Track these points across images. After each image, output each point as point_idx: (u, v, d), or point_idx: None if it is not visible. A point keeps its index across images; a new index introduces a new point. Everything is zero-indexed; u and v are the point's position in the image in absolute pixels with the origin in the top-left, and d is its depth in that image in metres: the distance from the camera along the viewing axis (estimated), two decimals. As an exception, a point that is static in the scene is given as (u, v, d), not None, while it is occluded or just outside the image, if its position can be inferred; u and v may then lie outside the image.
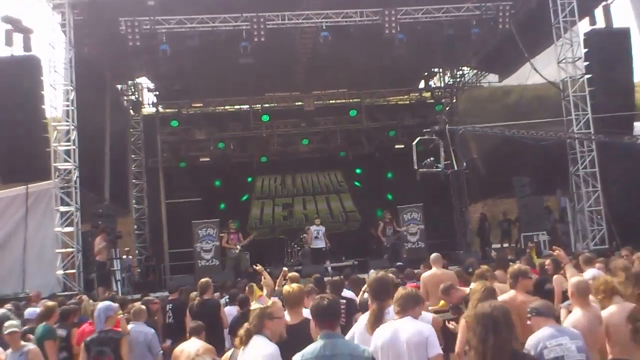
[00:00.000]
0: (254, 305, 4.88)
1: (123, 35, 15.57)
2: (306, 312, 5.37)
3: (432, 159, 16.24)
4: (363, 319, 5.44)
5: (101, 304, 7.35)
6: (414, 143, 16.90)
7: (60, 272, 14.86)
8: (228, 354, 5.22)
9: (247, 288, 9.51)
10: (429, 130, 17.27)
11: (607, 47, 17.05)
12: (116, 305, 7.56)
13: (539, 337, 4.70)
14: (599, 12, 17.50)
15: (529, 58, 17.26)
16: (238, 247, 18.41)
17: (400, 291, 5.08)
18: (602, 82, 16.74)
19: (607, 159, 16.89)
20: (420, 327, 4.87)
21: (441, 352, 4.83)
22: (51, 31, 15.75)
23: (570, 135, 17.01)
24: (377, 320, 5.11)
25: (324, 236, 19.23)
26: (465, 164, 19.13)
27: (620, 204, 17.69)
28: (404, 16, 16.51)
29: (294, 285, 6.05)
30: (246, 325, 4.92)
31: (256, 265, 8.41)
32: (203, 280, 9.74)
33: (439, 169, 16.36)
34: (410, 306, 4.94)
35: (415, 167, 16.28)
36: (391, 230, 19.47)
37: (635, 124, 17.48)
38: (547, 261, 9.19)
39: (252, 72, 18.76)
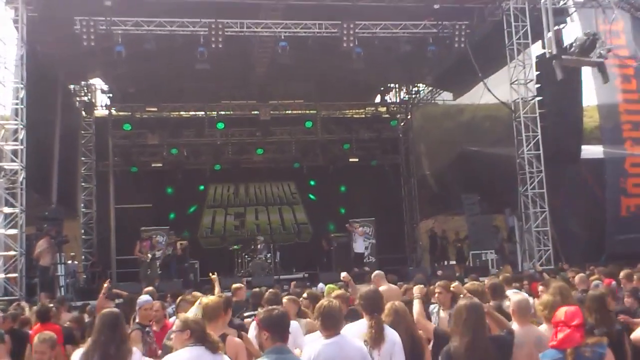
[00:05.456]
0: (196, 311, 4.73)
1: (78, 35, 15.29)
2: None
3: (591, 36, 9.62)
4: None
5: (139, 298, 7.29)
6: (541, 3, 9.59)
7: (1, 275, 14.33)
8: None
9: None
10: None
11: (559, 70, 17.47)
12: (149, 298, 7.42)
13: None
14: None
15: (482, 78, 17.54)
16: (149, 255, 18.02)
17: (324, 304, 4.71)
18: (553, 104, 17.08)
19: (555, 181, 17.28)
20: (358, 344, 4.72)
21: None
22: (3, 27, 15.36)
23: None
24: (378, 334, 4.94)
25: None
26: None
27: (565, 225, 18.11)
28: (362, 30, 16.64)
29: (213, 297, 5.70)
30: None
31: (212, 274, 8.25)
32: (148, 289, 9.26)
33: (600, 58, 9.60)
34: (340, 321, 4.73)
35: (553, 51, 10.29)
36: None
37: (583, 147, 17.92)
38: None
39: (208, 78, 18.62)
